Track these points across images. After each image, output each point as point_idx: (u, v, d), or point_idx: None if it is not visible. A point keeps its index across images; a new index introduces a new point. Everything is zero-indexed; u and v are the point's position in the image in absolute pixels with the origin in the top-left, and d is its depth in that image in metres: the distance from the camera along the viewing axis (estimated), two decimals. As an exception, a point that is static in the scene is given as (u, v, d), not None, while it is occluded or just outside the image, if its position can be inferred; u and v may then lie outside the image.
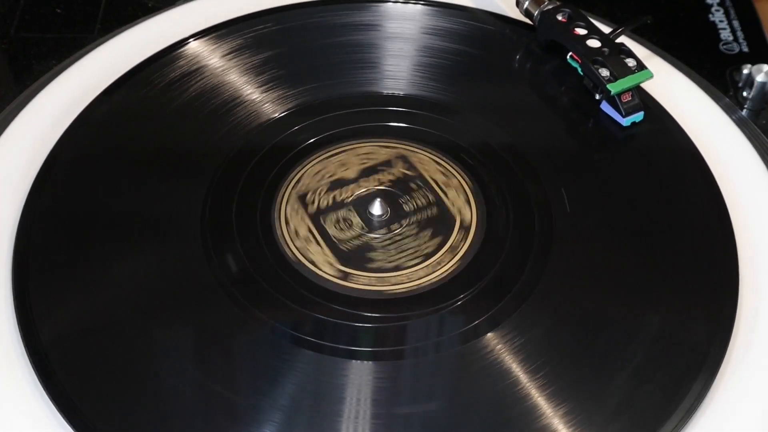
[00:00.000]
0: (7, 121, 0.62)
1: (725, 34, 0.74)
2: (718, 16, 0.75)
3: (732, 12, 0.76)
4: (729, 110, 0.65)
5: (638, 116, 0.61)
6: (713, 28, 0.75)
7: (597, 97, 0.62)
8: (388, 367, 0.51)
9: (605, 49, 0.62)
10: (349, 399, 0.49)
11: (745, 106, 0.68)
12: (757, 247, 0.57)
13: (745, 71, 0.68)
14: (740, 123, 0.64)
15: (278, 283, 0.54)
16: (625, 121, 0.61)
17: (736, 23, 0.75)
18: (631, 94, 0.61)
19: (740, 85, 0.69)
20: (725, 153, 0.62)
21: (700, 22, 0.75)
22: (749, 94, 0.68)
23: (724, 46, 0.73)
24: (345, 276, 0.55)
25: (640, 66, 0.61)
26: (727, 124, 0.64)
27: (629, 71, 0.61)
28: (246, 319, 0.52)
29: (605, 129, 0.62)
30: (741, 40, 0.73)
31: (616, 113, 0.61)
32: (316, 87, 0.64)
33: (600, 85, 0.61)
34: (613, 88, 0.60)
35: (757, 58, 0.70)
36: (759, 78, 0.67)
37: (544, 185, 0.59)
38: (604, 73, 0.61)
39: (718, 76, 0.70)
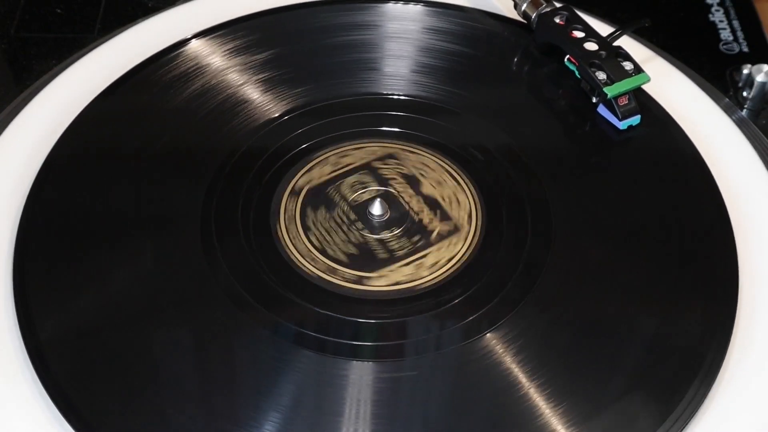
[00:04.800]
0: (7, 120, 0.62)
1: (725, 34, 0.74)
2: (718, 16, 0.75)
3: (732, 12, 0.75)
4: (729, 110, 0.65)
5: (635, 119, 0.61)
6: (713, 28, 0.74)
7: (594, 100, 0.62)
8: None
9: (602, 52, 0.62)
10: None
11: (745, 106, 0.68)
12: (757, 247, 0.57)
13: (745, 71, 0.68)
14: (740, 123, 0.64)
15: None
16: (622, 125, 0.61)
17: (736, 23, 0.75)
18: (627, 97, 0.61)
19: (740, 85, 0.69)
20: (725, 153, 0.62)
21: (700, 22, 0.75)
22: (749, 94, 0.68)
23: (724, 46, 0.73)
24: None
25: (637, 69, 0.61)
26: (727, 125, 0.64)
27: (626, 74, 0.61)
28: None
29: (603, 132, 0.62)
30: (741, 40, 0.73)
31: (613, 116, 0.61)
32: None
33: (597, 88, 0.61)
34: (610, 91, 0.60)
35: (757, 58, 0.70)
36: (759, 78, 0.67)
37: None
38: (601, 76, 0.61)
39: (718, 76, 0.70)
